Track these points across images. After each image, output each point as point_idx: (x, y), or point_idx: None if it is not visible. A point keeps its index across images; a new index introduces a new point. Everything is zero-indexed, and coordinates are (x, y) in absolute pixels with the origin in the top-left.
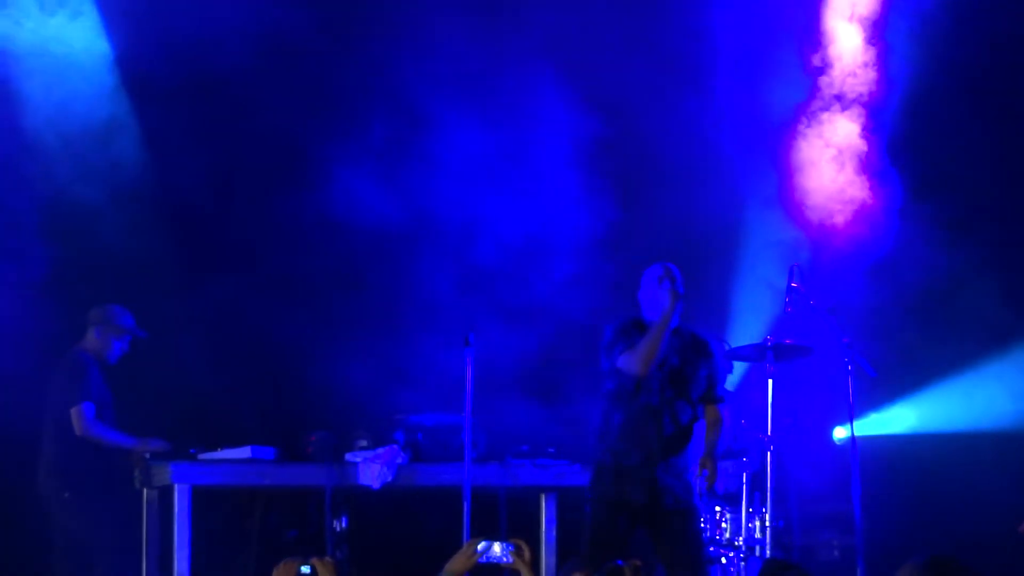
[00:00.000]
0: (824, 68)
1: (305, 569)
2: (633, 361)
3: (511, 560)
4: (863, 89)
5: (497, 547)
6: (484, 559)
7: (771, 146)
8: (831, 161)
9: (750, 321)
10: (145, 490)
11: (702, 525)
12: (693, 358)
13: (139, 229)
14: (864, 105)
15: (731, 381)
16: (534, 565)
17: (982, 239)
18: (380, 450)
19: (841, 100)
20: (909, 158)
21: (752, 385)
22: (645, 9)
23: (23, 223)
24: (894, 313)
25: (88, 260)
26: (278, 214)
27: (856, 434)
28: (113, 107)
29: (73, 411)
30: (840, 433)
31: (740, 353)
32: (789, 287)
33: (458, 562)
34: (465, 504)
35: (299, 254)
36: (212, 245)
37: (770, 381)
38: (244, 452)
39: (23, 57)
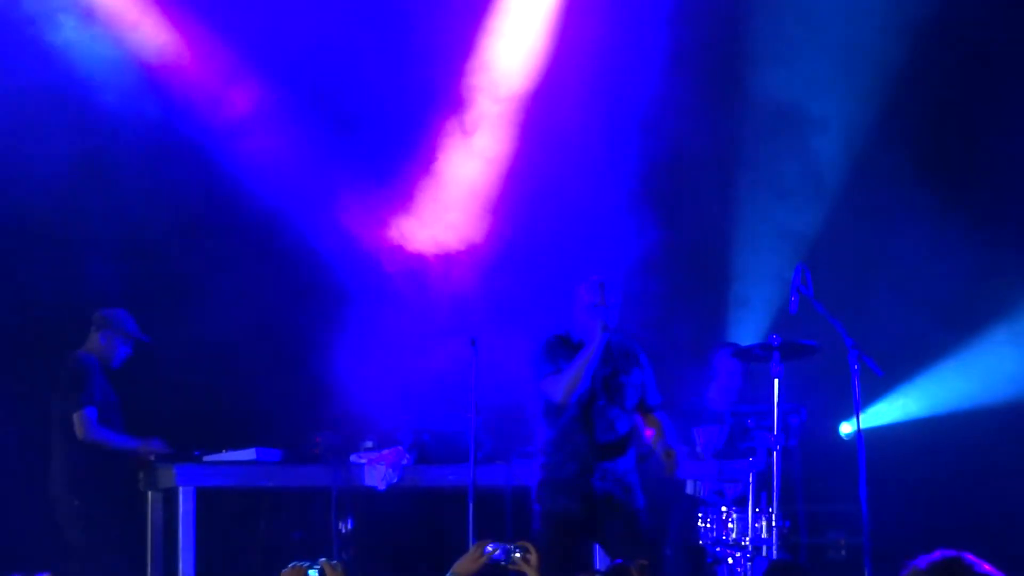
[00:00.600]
0: None
1: (313, 573)
2: (557, 388)
3: (517, 563)
4: None
5: (503, 550)
6: (491, 561)
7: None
8: None
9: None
10: (150, 492)
11: (702, 524)
12: (625, 366)
13: (149, 231)
14: None
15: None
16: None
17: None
18: (386, 451)
19: None
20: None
21: (758, 385)
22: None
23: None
24: (888, 301)
25: (95, 262)
26: (290, 220)
27: (862, 427)
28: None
29: (76, 416)
30: (846, 429)
31: (746, 352)
32: (795, 286)
33: (465, 564)
34: (470, 505)
35: (308, 256)
36: (219, 247)
37: (776, 380)
38: (249, 454)
39: (87, 67)
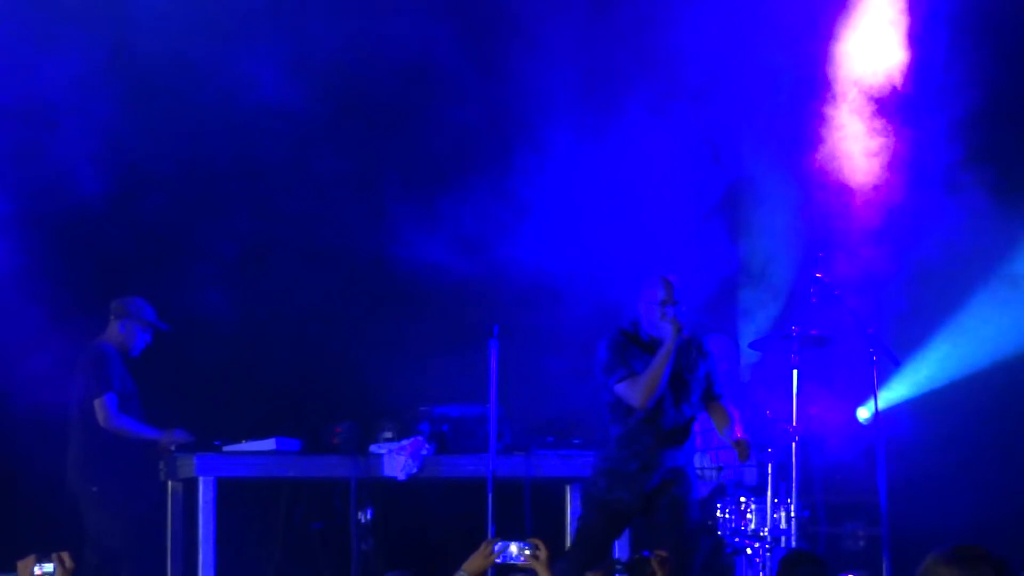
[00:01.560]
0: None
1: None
2: (634, 394)
3: (527, 560)
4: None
5: (514, 547)
6: (501, 559)
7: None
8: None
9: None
10: (170, 482)
11: (720, 515)
12: (692, 360)
13: (173, 221)
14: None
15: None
16: (558, 555)
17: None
18: (405, 441)
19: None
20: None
21: (777, 375)
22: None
23: None
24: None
25: (115, 247)
26: (322, 215)
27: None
28: None
29: (97, 402)
30: (863, 413)
31: (765, 343)
32: (814, 277)
33: (475, 562)
34: (488, 495)
35: (328, 248)
36: (246, 240)
37: (795, 371)
38: (269, 444)
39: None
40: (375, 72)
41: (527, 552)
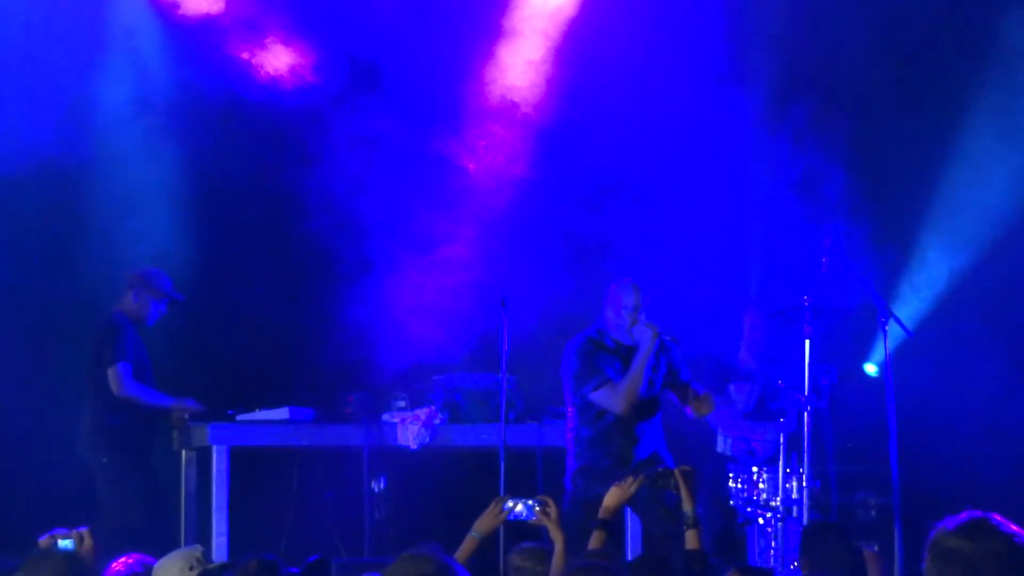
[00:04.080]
0: None
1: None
2: (615, 402)
3: (537, 517)
4: None
5: (523, 505)
6: (511, 517)
7: None
8: None
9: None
10: (183, 451)
11: (732, 485)
12: (656, 360)
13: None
14: None
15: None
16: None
17: None
18: (418, 411)
19: None
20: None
21: (788, 345)
22: None
23: None
24: None
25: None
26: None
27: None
28: None
29: (110, 371)
30: (871, 369)
31: (778, 313)
32: (825, 246)
33: (485, 521)
34: (500, 464)
35: (340, 214)
36: (256, 207)
37: (807, 341)
38: (282, 413)
39: None
40: None
41: (537, 509)
